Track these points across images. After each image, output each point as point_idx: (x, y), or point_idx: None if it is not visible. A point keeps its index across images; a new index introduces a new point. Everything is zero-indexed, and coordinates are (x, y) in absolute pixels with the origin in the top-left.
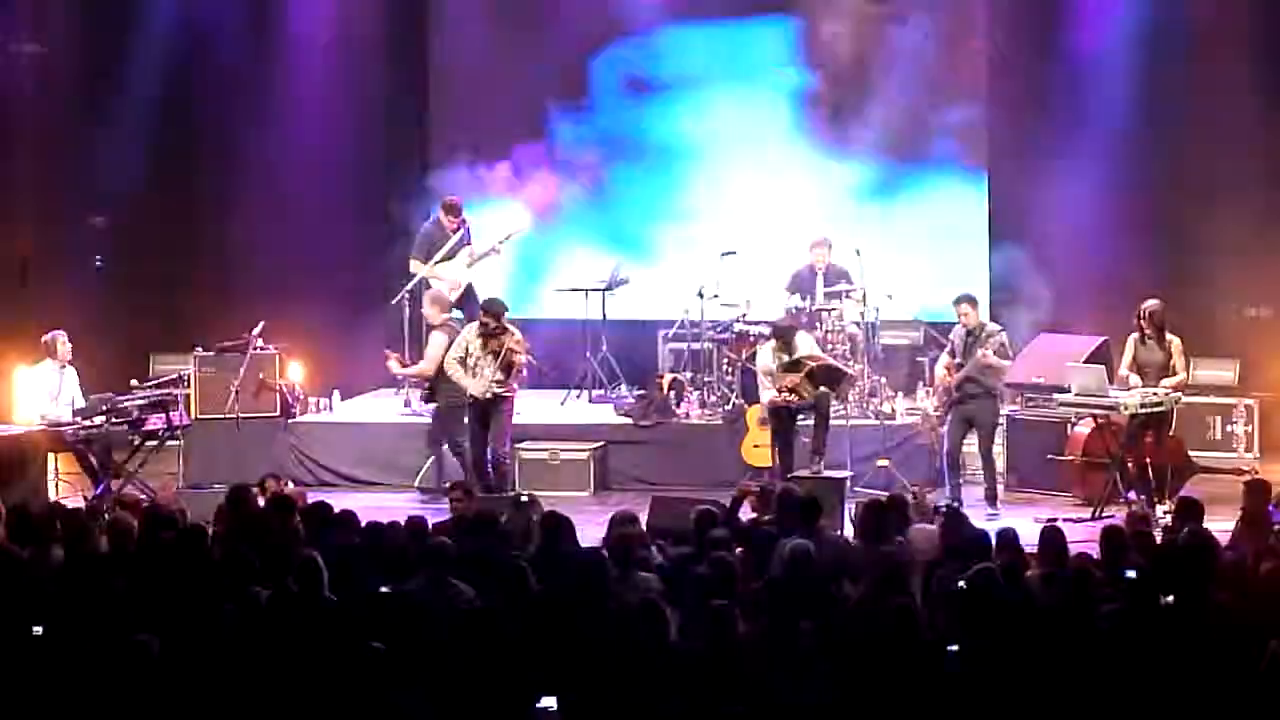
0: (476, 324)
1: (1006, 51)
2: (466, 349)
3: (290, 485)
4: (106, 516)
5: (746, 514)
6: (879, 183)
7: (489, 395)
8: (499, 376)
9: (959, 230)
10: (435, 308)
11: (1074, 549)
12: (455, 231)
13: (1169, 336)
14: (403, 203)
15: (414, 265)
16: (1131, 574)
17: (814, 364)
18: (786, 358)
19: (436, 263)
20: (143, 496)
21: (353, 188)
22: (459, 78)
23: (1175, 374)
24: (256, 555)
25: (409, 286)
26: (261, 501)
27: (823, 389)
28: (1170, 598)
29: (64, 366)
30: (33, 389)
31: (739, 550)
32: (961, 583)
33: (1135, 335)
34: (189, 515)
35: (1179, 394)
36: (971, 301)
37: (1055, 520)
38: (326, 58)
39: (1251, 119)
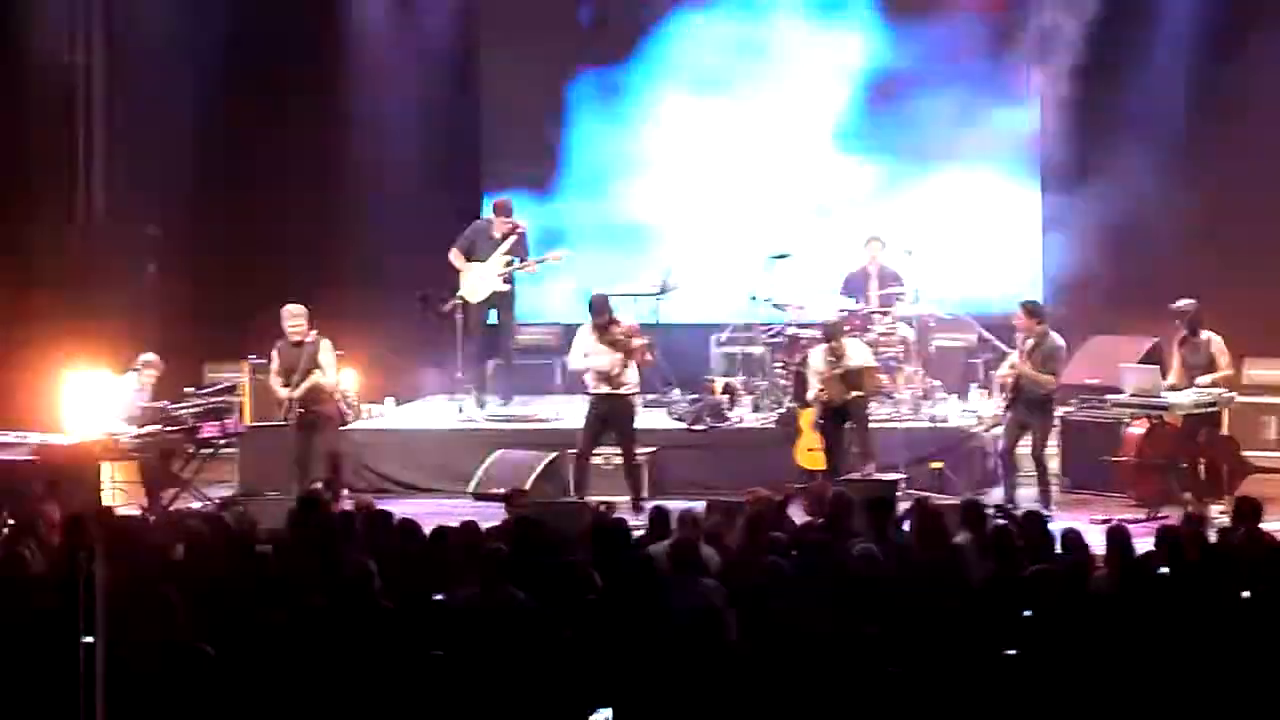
0: (589, 326)
1: (1055, 50)
2: (585, 353)
3: (345, 492)
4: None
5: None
6: (929, 181)
7: (609, 391)
8: (624, 369)
9: (1012, 230)
10: None
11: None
12: (506, 233)
13: (1204, 334)
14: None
15: (451, 254)
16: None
17: (848, 367)
18: (834, 360)
19: (472, 259)
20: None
21: (410, 193)
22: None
23: (1217, 370)
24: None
25: (460, 291)
26: None
27: (854, 393)
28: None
29: (144, 389)
30: (106, 400)
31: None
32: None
33: (1178, 337)
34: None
35: (1233, 393)
36: (1032, 313)
37: (1111, 521)
38: (388, 59)
39: None
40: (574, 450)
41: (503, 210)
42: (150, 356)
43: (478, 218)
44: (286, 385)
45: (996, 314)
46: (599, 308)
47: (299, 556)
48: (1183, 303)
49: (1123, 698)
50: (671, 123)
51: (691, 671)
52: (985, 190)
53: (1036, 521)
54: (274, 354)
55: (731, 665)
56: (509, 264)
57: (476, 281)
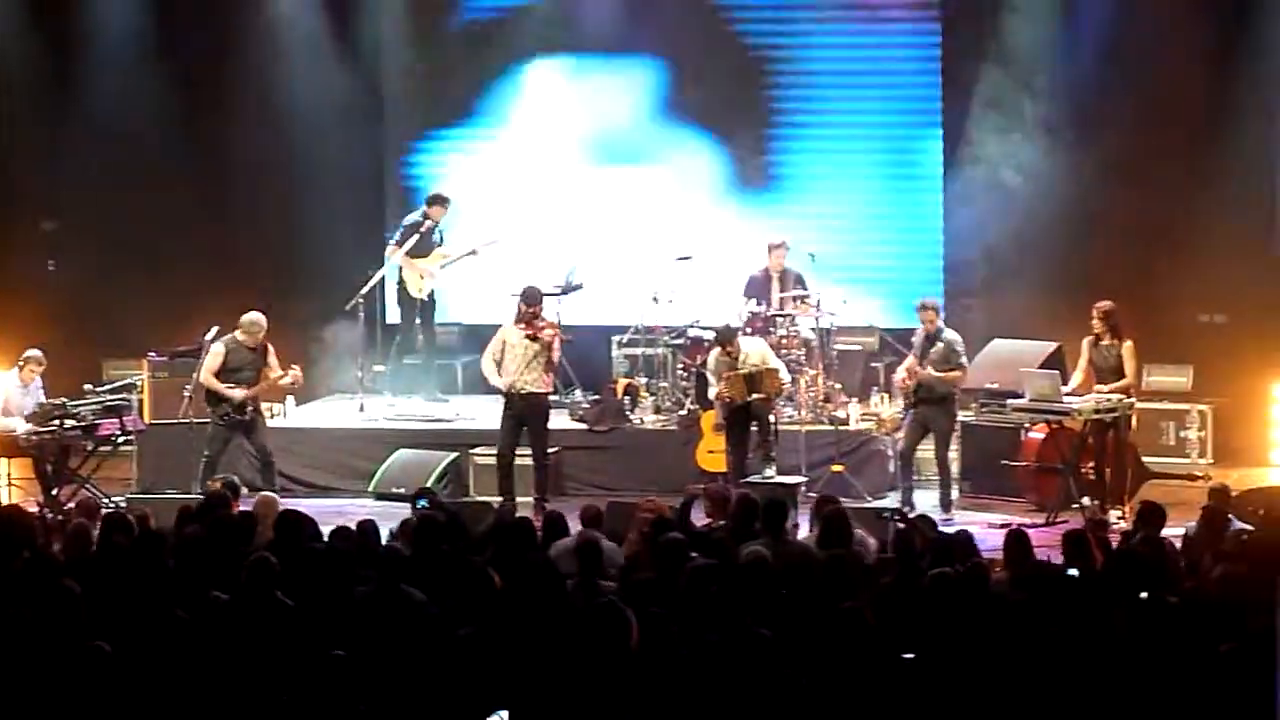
0: (514, 316)
1: (961, 50)
2: (503, 345)
3: (245, 491)
4: (60, 521)
5: (701, 519)
6: (832, 188)
7: (521, 391)
8: (540, 368)
9: (913, 236)
10: None
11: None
12: (436, 221)
13: (1118, 339)
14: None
15: (390, 250)
16: (1074, 572)
17: (751, 368)
18: (730, 362)
19: (412, 255)
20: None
21: (310, 189)
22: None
23: (1125, 376)
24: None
25: (365, 289)
26: None
27: (755, 395)
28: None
29: (27, 385)
30: None
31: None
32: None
33: (1089, 338)
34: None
35: (1132, 399)
36: (933, 308)
37: (1010, 525)
38: (299, 56)
39: (1210, 123)
40: (482, 450)
41: (440, 202)
42: (33, 352)
43: (410, 216)
44: (230, 385)
45: (898, 317)
46: (533, 297)
47: (202, 554)
48: (1105, 302)
49: (1024, 701)
50: (574, 121)
51: (589, 674)
52: (888, 192)
53: (928, 525)
54: (219, 351)
55: (629, 668)
56: (453, 257)
57: (421, 276)
